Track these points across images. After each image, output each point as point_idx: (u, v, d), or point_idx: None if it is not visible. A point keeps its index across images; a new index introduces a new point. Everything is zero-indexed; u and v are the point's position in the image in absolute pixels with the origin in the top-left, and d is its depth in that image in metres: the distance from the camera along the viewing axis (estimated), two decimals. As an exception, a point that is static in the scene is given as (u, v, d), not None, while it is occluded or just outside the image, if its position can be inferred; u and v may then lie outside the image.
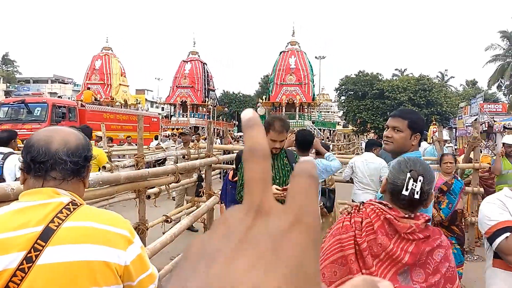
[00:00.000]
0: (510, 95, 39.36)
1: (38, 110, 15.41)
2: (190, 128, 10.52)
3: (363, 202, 1.63)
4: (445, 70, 57.43)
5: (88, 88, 26.23)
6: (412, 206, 1.55)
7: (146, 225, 4.02)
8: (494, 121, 17.11)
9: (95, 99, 22.12)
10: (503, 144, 5.99)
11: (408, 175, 1.54)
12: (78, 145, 1.23)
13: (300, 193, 0.25)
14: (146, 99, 60.70)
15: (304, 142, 3.93)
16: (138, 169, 4.02)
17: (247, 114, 0.28)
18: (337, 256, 1.50)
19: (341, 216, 1.77)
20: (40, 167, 1.17)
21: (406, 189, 1.53)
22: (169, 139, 13.57)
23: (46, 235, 1.09)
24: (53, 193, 1.17)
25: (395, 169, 1.60)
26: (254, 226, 0.24)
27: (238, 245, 0.23)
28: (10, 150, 4.60)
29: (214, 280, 0.21)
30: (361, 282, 0.27)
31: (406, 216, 1.52)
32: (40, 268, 1.07)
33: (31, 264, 1.07)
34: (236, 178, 3.45)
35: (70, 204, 1.17)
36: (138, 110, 28.31)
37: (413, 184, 1.53)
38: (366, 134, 33.41)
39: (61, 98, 27.39)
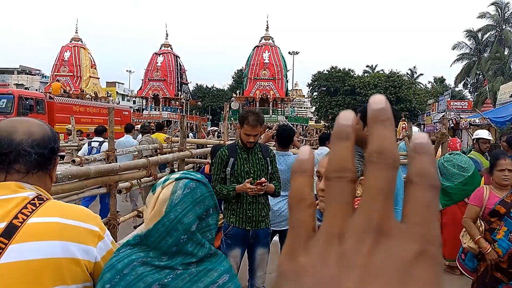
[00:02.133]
0: (475, 93, 40.73)
1: (3, 102, 14.88)
2: (162, 121, 10.39)
3: None
4: (414, 67, 58.66)
5: (57, 80, 25.49)
6: None
7: (118, 220, 3.95)
8: (461, 118, 17.64)
9: (64, 91, 21.54)
10: (478, 139, 5.80)
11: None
12: (44, 136, 1.17)
13: (423, 212, 0.21)
14: (117, 92, 59.47)
15: (286, 138, 3.98)
16: (109, 163, 3.95)
17: (378, 102, 0.23)
18: None
19: None
20: (1, 159, 1.11)
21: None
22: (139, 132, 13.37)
23: (9, 232, 1.03)
24: (17, 187, 1.11)
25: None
26: (375, 251, 0.21)
27: (361, 274, 0.21)
28: (102, 139, 6.72)
29: None
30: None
31: None
32: (1, 267, 1.01)
33: None
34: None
35: (35, 199, 1.11)
36: (109, 103, 27.73)
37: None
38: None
39: (28, 89, 26.54)
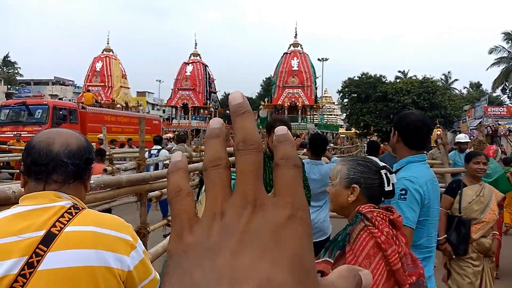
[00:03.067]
0: (514, 98, 39.25)
1: (39, 112, 15.42)
2: (191, 131, 10.50)
3: (360, 214, 1.53)
4: (448, 72, 57.20)
5: (89, 90, 26.23)
6: (387, 198, 1.68)
7: (148, 228, 3.96)
8: (499, 124, 17.03)
9: (96, 101, 22.12)
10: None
11: (383, 172, 1.64)
12: (79, 147, 1.21)
13: (288, 185, 0.25)
14: (147, 102, 60.75)
15: (319, 147, 3.91)
16: (140, 172, 3.96)
17: (236, 98, 0.27)
18: (387, 272, 1.42)
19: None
20: (41, 169, 1.15)
21: (389, 184, 1.62)
22: (171, 141, 13.53)
23: (47, 240, 1.07)
24: (55, 196, 1.15)
25: (365, 173, 1.64)
26: (253, 219, 0.24)
27: (240, 238, 0.23)
28: (160, 147, 8.15)
29: (223, 273, 0.22)
30: (346, 268, 0.29)
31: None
32: (41, 274, 1.04)
33: (32, 269, 1.04)
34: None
35: (71, 208, 1.14)
36: (139, 112, 28.29)
37: (389, 178, 1.65)
38: (369, 137, 33.31)
39: (62, 100, 27.44)
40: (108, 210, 5.25)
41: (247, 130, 0.26)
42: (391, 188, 1.63)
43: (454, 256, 3.51)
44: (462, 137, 7.62)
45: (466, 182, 3.74)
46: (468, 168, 3.80)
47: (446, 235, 3.54)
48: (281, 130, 0.27)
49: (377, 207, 1.57)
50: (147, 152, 8.14)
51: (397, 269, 1.41)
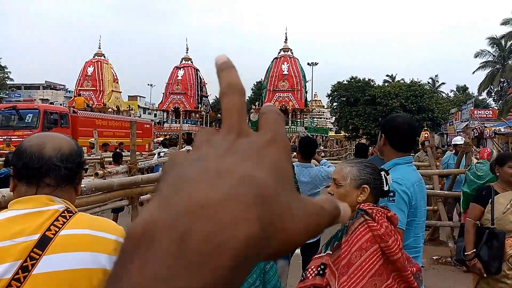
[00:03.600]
0: (500, 101, 39.79)
1: (29, 117, 15.30)
2: (177, 135, 10.48)
3: (361, 210, 1.60)
4: (436, 75, 57.80)
5: (80, 95, 26.07)
6: (382, 197, 1.80)
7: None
8: (485, 127, 17.28)
9: (87, 106, 21.99)
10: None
11: (383, 174, 1.76)
12: (71, 151, 1.21)
13: (271, 122, 0.29)
14: (138, 106, 60.45)
15: (309, 149, 3.96)
16: (131, 175, 4.00)
17: (222, 58, 0.30)
18: (376, 268, 1.47)
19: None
20: (33, 173, 1.15)
21: (387, 185, 1.75)
22: (161, 146, 13.54)
23: (42, 243, 1.07)
24: (48, 200, 1.15)
25: (373, 174, 1.75)
26: (237, 141, 0.27)
27: (226, 151, 0.26)
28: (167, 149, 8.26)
29: (209, 167, 0.24)
30: (325, 196, 0.31)
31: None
32: (36, 278, 1.04)
33: (27, 273, 1.04)
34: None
35: (65, 211, 1.15)
36: (130, 116, 28.18)
37: (387, 178, 1.76)
38: (358, 140, 33.54)
39: (53, 104, 27.20)
40: (120, 209, 5.26)
41: (231, 77, 0.29)
42: (388, 189, 1.74)
43: (485, 275, 3.10)
44: (458, 140, 7.42)
45: (497, 189, 3.28)
46: (501, 173, 3.32)
47: (474, 250, 3.16)
48: (222, 57, 0.30)
49: (376, 205, 1.65)
50: (157, 155, 8.87)
51: (397, 258, 1.46)
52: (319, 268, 1.57)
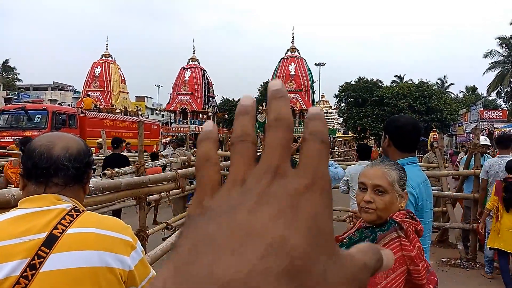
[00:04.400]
0: (510, 102, 39.41)
1: (38, 117, 15.43)
2: (185, 135, 10.53)
3: (394, 222, 1.50)
4: (444, 76, 57.41)
5: (88, 95, 26.25)
6: None
7: (147, 232, 4.00)
8: (494, 127, 17.12)
9: (95, 106, 22.13)
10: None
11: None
12: (79, 151, 1.22)
13: (313, 157, 0.25)
14: (146, 106, 60.76)
15: None
16: (139, 175, 4.01)
17: (275, 84, 0.28)
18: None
19: (350, 225, 1.78)
20: (42, 173, 1.16)
21: None
22: (169, 146, 13.59)
23: (49, 242, 1.08)
24: (55, 199, 1.16)
25: (405, 177, 1.67)
26: (272, 184, 0.24)
27: (259, 199, 0.23)
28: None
29: (237, 228, 0.22)
30: (367, 244, 0.28)
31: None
32: (43, 275, 1.06)
33: (34, 271, 1.06)
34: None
35: (72, 210, 1.16)
36: (138, 117, 28.31)
37: None
38: (366, 141, 33.41)
39: (61, 105, 27.44)
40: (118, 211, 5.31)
41: (281, 110, 0.26)
42: None
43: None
44: (482, 140, 6.82)
45: None
46: None
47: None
48: (314, 110, 0.28)
49: (407, 215, 1.56)
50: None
51: (422, 284, 1.40)
52: None
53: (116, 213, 5.25)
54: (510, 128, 13.79)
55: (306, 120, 0.27)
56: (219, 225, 0.22)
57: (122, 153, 7.19)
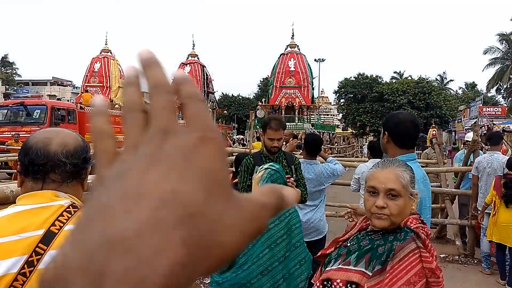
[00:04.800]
0: (509, 98, 39.42)
1: (37, 113, 15.39)
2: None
3: (410, 230, 1.44)
4: (444, 72, 57.46)
5: (87, 91, 26.21)
6: None
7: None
8: (494, 124, 17.13)
9: (95, 102, 22.04)
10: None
11: None
12: (76, 147, 1.21)
13: (198, 114, 0.26)
14: (145, 102, 60.50)
15: (314, 146, 3.96)
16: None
17: (144, 53, 0.28)
18: None
19: (349, 222, 1.75)
20: (39, 169, 1.16)
21: None
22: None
23: (47, 238, 1.08)
24: (53, 195, 1.16)
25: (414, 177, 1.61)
26: (163, 144, 0.24)
27: (149, 161, 0.23)
28: None
29: (128, 191, 0.22)
30: (267, 187, 0.29)
31: None
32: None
33: (32, 268, 1.05)
34: (236, 180, 3.46)
35: (70, 207, 1.15)
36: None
37: None
38: (365, 137, 33.42)
39: (60, 100, 27.44)
40: None
41: (156, 76, 0.27)
42: None
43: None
44: (470, 136, 6.96)
45: None
46: None
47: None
48: (180, 75, 0.28)
49: (418, 220, 1.49)
50: None
51: None
52: (348, 285, 1.39)
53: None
54: (509, 125, 13.79)
55: (175, 85, 0.28)
56: (112, 190, 0.22)
57: None
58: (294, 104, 32.52)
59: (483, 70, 41.60)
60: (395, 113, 2.45)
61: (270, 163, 2.51)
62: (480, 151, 6.13)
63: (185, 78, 0.28)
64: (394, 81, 42.00)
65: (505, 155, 6.35)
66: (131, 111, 0.27)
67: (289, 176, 3.11)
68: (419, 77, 38.01)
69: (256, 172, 2.42)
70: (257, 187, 1.85)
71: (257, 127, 16.11)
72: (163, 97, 0.26)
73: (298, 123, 31.10)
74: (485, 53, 40.96)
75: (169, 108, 0.26)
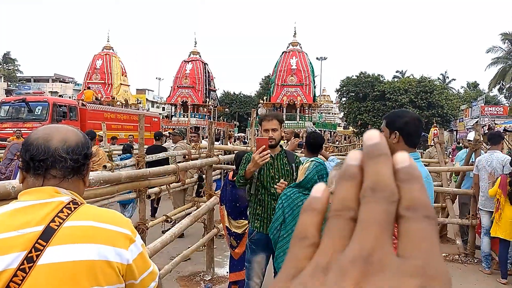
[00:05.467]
0: (511, 98, 39.30)
1: (39, 109, 15.43)
2: (185, 128, 10.59)
3: None
4: (445, 72, 57.33)
5: (89, 88, 26.22)
6: None
7: (146, 224, 4.01)
8: (495, 123, 17.09)
9: (96, 99, 22.10)
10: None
11: None
12: (77, 143, 1.21)
13: (420, 244, 0.19)
14: (147, 99, 60.71)
15: (315, 145, 3.96)
16: (139, 168, 4.01)
17: (372, 137, 0.23)
18: None
19: None
20: (39, 165, 1.15)
21: None
22: (169, 139, 13.61)
23: (47, 234, 1.08)
24: (54, 192, 1.16)
25: None
26: (362, 282, 0.19)
27: None
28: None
29: None
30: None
31: None
32: (41, 268, 1.06)
33: (32, 264, 1.05)
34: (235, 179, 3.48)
35: (70, 203, 1.15)
36: (139, 110, 28.30)
37: None
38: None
39: (62, 97, 27.40)
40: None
41: (379, 176, 0.21)
42: None
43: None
44: (472, 136, 6.82)
45: None
46: None
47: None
48: (403, 159, 0.22)
49: None
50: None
51: None
52: None
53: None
54: (511, 124, 13.75)
55: (396, 178, 0.21)
56: None
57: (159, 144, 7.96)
58: (296, 102, 32.50)
59: (485, 70, 41.58)
60: (402, 112, 2.40)
61: (315, 157, 3.10)
62: (481, 151, 6.13)
63: (412, 170, 0.21)
64: (396, 80, 41.91)
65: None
66: (337, 216, 0.22)
67: (283, 181, 3.13)
68: (421, 76, 37.93)
69: (304, 163, 2.96)
70: (302, 177, 2.82)
71: (259, 125, 16.11)
72: (380, 207, 0.20)
73: (300, 122, 31.10)
74: (487, 52, 40.84)
75: (384, 225, 0.20)
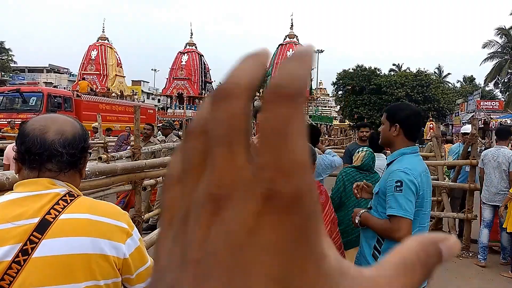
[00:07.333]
0: (507, 93, 39.48)
1: (33, 100, 15.32)
2: (173, 121, 10.55)
3: None
4: (439, 65, 57.41)
5: (84, 79, 26.04)
6: None
7: (142, 216, 4.00)
8: (491, 118, 17.16)
9: (91, 90, 21.96)
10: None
11: None
12: (74, 136, 1.17)
13: (273, 138, 0.15)
14: (142, 91, 60.39)
15: (311, 137, 3.95)
16: (135, 160, 3.99)
17: (305, 47, 0.17)
18: None
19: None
20: (35, 158, 1.12)
21: None
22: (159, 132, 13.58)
23: (42, 227, 1.06)
24: (49, 183, 1.13)
25: None
26: (211, 227, 0.14)
27: (194, 276, 0.14)
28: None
29: None
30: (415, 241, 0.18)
31: None
32: (36, 261, 1.04)
33: (26, 256, 1.04)
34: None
35: (66, 195, 1.13)
36: (134, 101, 28.17)
37: None
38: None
39: (57, 88, 27.27)
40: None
41: (293, 70, 0.16)
42: None
43: None
44: (467, 128, 6.95)
45: None
46: None
47: None
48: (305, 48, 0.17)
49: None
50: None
51: None
52: None
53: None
54: (506, 119, 13.81)
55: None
56: None
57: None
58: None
59: (481, 64, 41.60)
60: (403, 105, 2.39)
61: (366, 146, 3.71)
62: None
63: (305, 54, 0.16)
64: (392, 73, 41.96)
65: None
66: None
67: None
68: (418, 70, 37.98)
69: (358, 152, 3.44)
70: (359, 162, 3.37)
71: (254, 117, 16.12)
72: (283, 110, 0.15)
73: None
74: (484, 47, 40.91)
75: (242, 129, 0.15)
